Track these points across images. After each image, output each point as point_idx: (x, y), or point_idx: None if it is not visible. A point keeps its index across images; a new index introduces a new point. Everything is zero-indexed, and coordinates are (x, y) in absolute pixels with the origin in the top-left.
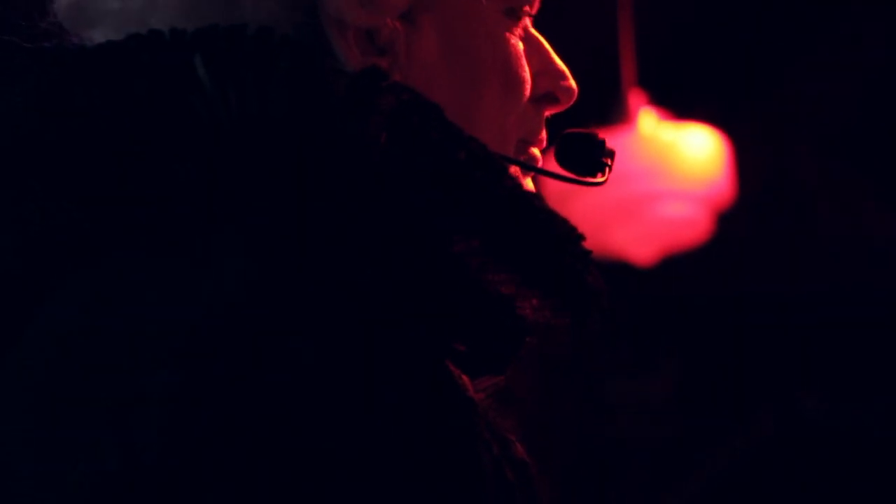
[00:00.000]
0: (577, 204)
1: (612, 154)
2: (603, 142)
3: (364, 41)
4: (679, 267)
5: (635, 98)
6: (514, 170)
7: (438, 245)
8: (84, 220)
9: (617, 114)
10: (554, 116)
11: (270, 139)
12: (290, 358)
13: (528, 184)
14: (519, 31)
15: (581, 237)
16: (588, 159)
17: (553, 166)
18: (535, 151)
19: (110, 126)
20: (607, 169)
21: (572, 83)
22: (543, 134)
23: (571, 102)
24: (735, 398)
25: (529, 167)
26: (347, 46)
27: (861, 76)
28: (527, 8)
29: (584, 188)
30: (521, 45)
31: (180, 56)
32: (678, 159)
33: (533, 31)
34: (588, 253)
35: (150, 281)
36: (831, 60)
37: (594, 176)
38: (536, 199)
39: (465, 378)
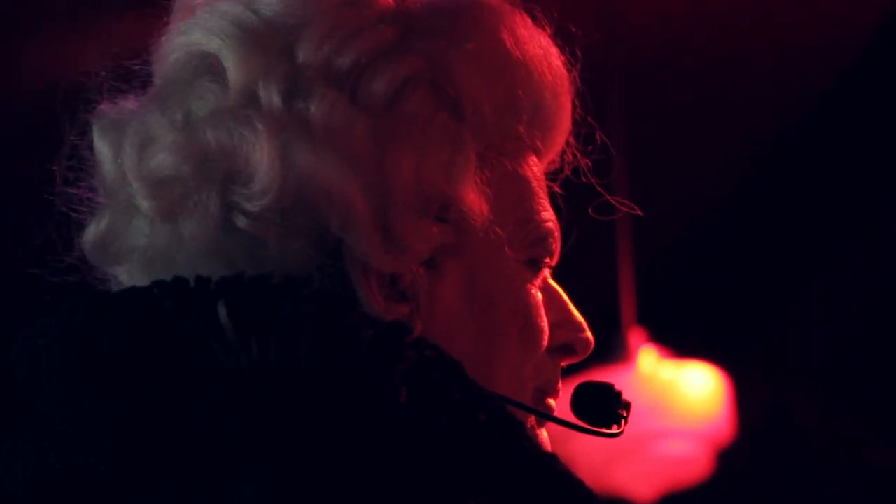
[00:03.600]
0: (579, 442)
1: (628, 406)
2: (619, 394)
3: (387, 286)
4: None
5: (635, 336)
6: (531, 419)
7: (453, 502)
8: (100, 465)
9: (617, 352)
10: None
11: (290, 390)
12: None
13: (544, 434)
14: (539, 281)
15: (598, 500)
16: (604, 410)
17: (568, 414)
18: (552, 402)
19: (133, 373)
20: (623, 421)
21: (590, 335)
22: (560, 384)
23: (587, 354)
24: None
25: (547, 417)
26: (370, 290)
27: (858, 312)
28: (547, 259)
29: None
30: (540, 296)
31: (204, 304)
32: (678, 397)
33: (552, 281)
34: None
35: None
36: (828, 296)
37: (609, 427)
38: (554, 460)
39: None
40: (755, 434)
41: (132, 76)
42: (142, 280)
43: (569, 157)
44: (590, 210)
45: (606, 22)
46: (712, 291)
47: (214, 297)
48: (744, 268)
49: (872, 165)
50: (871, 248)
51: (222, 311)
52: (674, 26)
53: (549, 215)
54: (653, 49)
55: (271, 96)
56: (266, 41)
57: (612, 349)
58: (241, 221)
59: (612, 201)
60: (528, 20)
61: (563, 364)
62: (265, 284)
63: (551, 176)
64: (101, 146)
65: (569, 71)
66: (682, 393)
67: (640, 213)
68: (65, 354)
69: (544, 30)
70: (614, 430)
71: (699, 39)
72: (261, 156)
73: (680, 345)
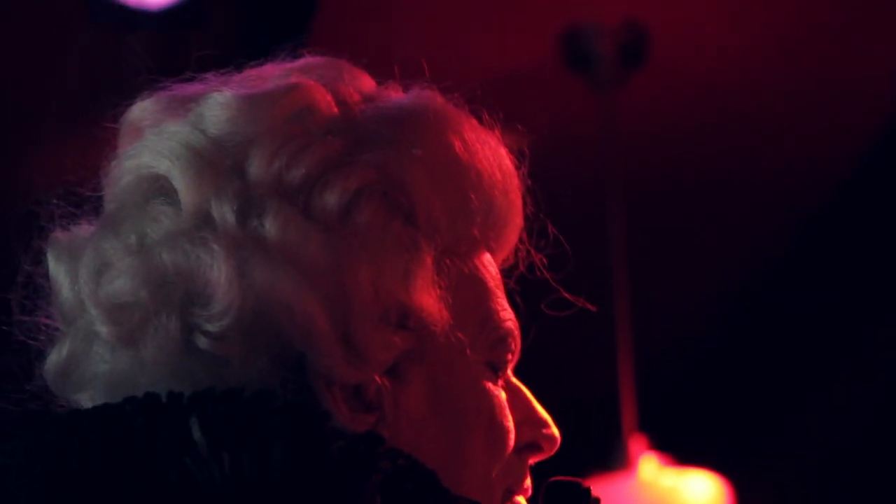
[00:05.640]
0: None
1: (597, 502)
2: (588, 490)
3: (351, 397)
4: None
5: (636, 444)
6: None
7: None
8: None
9: (618, 459)
10: (559, 456)
11: (265, 501)
12: None
13: None
14: (501, 381)
15: None
16: None
17: None
18: (521, 501)
19: (105, 490)
20: None
21: (555, 431)
22: (528, 482)
23: (554, 450)
24: None
25: None
26: (335, 403)
27: (857, 419)
28: (509, 358)
29: None
30: (503, 395)
31: (176, 419)
32: None
33: (514, 379)
34: None
35: None
36: (828, 403)
37: None
38: None
39: None
40: None
41: (83, 202)
42: None
43: (522, 253)
44: (542, 306)
45: (607, 126)
46: (713, 399)
47: (187, 413)
48: (744, 376)
49: (874, 275)
50: (871, 356)
51: (195, 427)
52: (675, 129)
53: (507, 315)
54: (654, 155)
55: (225, 215)
56: (216, 160)
57: (612, 456)
58: (202, 342)
59: (569, 297)
60: (475, 122)
61: (531, 462)
62: (236, 398)
63: (507, 273)
64: (57, 274)
65: (517, 168)
66: (684, 501)
67: (592, 308)
68: (35, 474)
69: (492, 130)
70: None
71: (701, 144)
72: (218, 276)
73: (681, 452)
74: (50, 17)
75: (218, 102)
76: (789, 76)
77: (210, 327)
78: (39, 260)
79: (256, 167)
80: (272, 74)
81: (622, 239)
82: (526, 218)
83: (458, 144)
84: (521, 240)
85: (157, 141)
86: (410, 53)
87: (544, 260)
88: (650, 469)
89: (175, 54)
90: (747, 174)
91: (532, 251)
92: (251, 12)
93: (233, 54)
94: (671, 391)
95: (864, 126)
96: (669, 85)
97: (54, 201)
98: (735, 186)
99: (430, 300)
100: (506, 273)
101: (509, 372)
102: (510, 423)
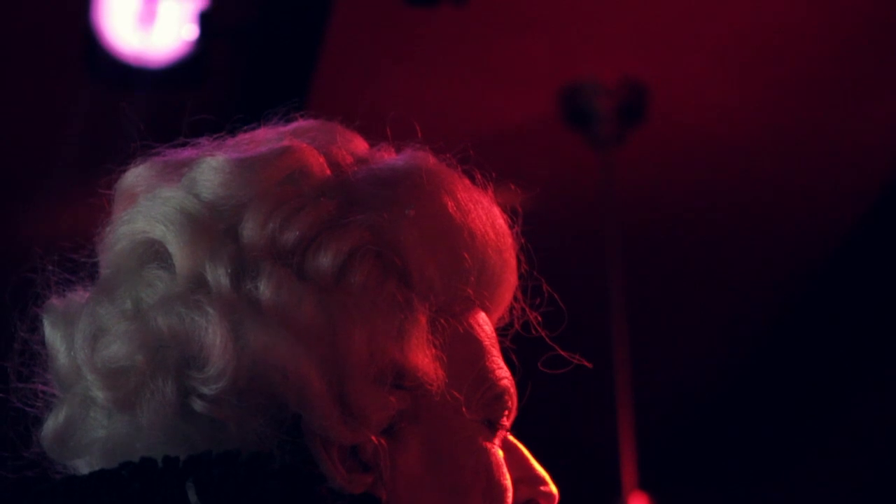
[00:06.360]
0: None
1: None
2: None
3: (348, 457)
4: None
5: (636, 502)
6: None
7: None
8: None
9: None
10: None
11: None
12: None
13: None
14: (498, 439)
15: None
16: None
17: None
18: None
19: None
20: None
21: (552, 488)
22: None
23: None
24: None
25: None
26: (332, 463)
27: (859, 473)
28: (505, 416)
29: None
30: (500, 453)
31: (173, 483)
32: None
33: (511, 437)
34: None
35: None
36: (829, 460)
37: None
38: None
39: None
40: None
41: (78, 268)
42: None
43: (518, 311)
44: (539, 364)
45: (606, 183)
46: (713, 457)
47: (183, 477)
48: (744, 433)
49: (875, 333)
50: (869, 410)
51: (191, 491)
52: (674, 186)
53: (503, 373)
54: (653, 212)
55: (219, 279)
56: (210, 224)
57: None
58: (198, 406)
59: (564, 355)
60: (468, 181)
61: None
62: (233, 461)
63: (502, 331)
64: (53, 340)
65: (511, 226)
66: None
67: (588, 365)
68: None
69: (485, 189)
70: None
71: (699, 201)
72: (213, 339)
73: None
74: (49, 82)
75: (211, 167)
76: (788, 134)
77: (206, 390)
78: (35, 327)
79: (250, 230)
80: (265, 138)
81: (621, 295)
82: (521, 276)
83: (450, 204)
84: (516, 298)
85: (151, 206)
86: (412, 112)
87: (539, 318)
88: None
89: (175, 112)
90: (746, 231)
91: (527, 309)
92: (251, 68)
93: (232, 111)
94: (671, 449)
95: (866, 183)
96: (668, 142)
97: (50, 268)
98: (734, 243)
99: (425, 360)
100: (504, 330)
101: (506, 431)
102: (507, 480)
